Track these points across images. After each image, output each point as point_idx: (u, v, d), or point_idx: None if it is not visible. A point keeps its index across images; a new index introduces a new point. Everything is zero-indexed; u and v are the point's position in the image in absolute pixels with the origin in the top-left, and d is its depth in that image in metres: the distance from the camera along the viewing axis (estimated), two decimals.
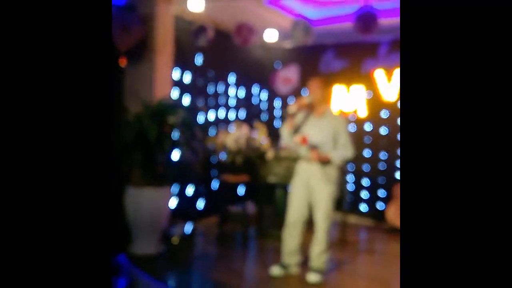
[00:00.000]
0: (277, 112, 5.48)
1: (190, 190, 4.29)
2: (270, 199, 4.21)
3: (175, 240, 3.48)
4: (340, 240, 4.00)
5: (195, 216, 4.28)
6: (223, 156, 3.95)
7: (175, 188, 4.02)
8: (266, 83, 5.29)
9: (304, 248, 3.05)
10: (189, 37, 4.09)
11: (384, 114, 4.80)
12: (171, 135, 3.36)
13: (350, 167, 4.96)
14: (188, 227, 3.93)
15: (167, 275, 3.00)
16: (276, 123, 5.38)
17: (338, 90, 4.97)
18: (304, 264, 3.03)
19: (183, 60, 4.20)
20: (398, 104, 4.67)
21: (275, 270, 2.98)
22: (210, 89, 4.64)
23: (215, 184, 4.58)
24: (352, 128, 4.98)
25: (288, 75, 5.13)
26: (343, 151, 2.88)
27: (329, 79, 3.13)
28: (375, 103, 4.79)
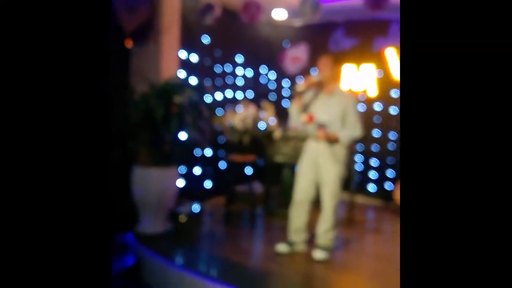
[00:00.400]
0: (286, 92, 5.43)
1: (197, 170, 4.32)
2: (277, 178, 4.22)
3: (182, 218, 3.51)
4: (348, 219, 4.01)
5: (203, 196, 4.31)
6: (230, 136, 3.94)
7: (182, 168, 4.05)
8: (275, 63, 5.22)
9: (311, 226, 3.06)
10: (196, 16, 4.04)
11: (394, 93, 4.72)
12: (178, 115, 3.36)
13: (359, 147, 4.92)
14: (196, 207, 3.97)
15: (174, 253, 3.04)
16: (285, 103, 5.34)
17: (348, 69, 4.89)
18: (311, 242, 3.05)
19: (190, 40, 4.16)
20: None
21: (282, 247, 3.00)
22: (218, 69, 4.61)
23: (222, 165, 4.60)
24: (361, 107, 4.92)
25: (296, 54, 5.06)
26: (352, 131, 2.85)
27: (338, 58, 3.07)
28: (386, 83, 4.71)
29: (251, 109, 3.91)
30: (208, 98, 4.38)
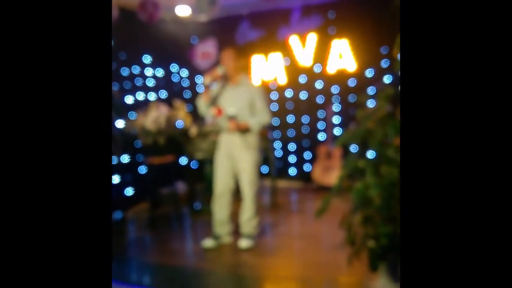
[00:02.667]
0: (200, 89, 5.41)
1: (116, 179, 4.14)
2: (200, 175, 4.21)
3: None
4: (271, 204, 4.13)
5: (124, 204, 4.15)
6: (144, 139, 3.84)
7: None
8: (185, 60, 5.17)
9: (235, 217, 3.11)
10: None
11: (302, 79, 4.94)
12: None
13: (276, 134, 5.09)
14: (117, 216, 3.81)
15: None
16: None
17: (257, 60, 5.01)
18: (236, 232, 3.10)
19: None
20: (314, 69, 4.83)
21: (208, 242, 3.01)
22: (125, 72, 4.44)
23: (142, 169, 4.47)
24: (274, 95, 5.08)
25: (206, 50, 5.06)
26: (260, 117, 2.93)
27: (243, 49, 3.13)
28: (293, 69, 4.91)
29: (163, 109, 3.84)
30: (117, 103, 4.20)
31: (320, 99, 4.89)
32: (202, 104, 2.97)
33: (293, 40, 4.83)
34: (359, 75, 4.62)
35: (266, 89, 4.73)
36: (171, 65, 5.16)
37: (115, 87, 4.19)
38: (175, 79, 5.25)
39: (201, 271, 2.73)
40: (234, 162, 2.97)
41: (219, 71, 2.91)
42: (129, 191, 4.28)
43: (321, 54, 4.73)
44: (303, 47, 4.81)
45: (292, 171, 5.09)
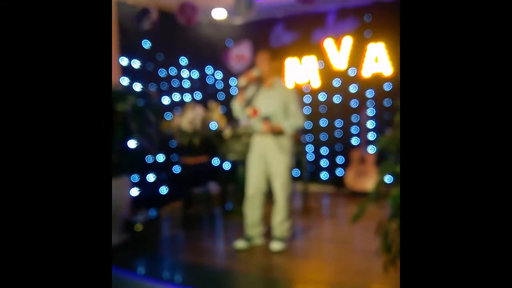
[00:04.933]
0: (234, 91, 5.47)
1: (151, 177, 4.26)
2: (232, 177, 4.25)
3: (138, 227, 3.45)
4: (303, 208, 4.12)
5: (159, 202, 4.25)
6: (180, 139, 3.92)
7: (135, 177, 3.97)
8: (220, 62, 5.24)
9: (267, 220, 3.13)
10: (133, 22, 3.97)
11: (336, 82, 4.89)
12: (122, 123, 3.29)
13: (308, 137, 5.07)
14: (152, 214, 3.91)
15: (133, 263, 2.99)
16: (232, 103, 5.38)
17: (291, 63, 5.01)
18: (268, 234, 3.11)
19: (129, 46, 4.09)
20: (349, 72, 4.78)
21: (240, 244, 3.04)
22: (162, 73, 4.56)
23: (176, 169, 4.56)
24: (307, 99, 5.06)
25: (240, 52, 5.11)
26: (294, 120, 2.94)
27: (278, 52, 3.14)
28: (327, 73, 4.88)
29: (198, 110, 3.91)
30: (154, 103, 4.32)
31: (354, 103, 4.83)
32: (237, 105, 3.01)
33: (328, 43, 4.80)
34: (395, 79, 4.52)
35: (299, 92, 4.71)
36: (206, 67, 5.25)
37: (152, 88, 4.30)
38: (209, 81, 5.33)
39: (232, 271, 2.76)
40: (267, 165, 2.99)
41: (254, 73, 2.94)
42: (163, 190, 4.39)
43: (356, 58, 4.67)
44: (338, 51, 4.77)
45: (324, 175, 5.05)
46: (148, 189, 4.17)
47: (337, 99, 4.92)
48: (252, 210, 3.03)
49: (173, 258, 3.11)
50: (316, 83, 4.95)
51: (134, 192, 3.88)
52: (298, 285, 2.56)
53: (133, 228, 3.53)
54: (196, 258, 2.98)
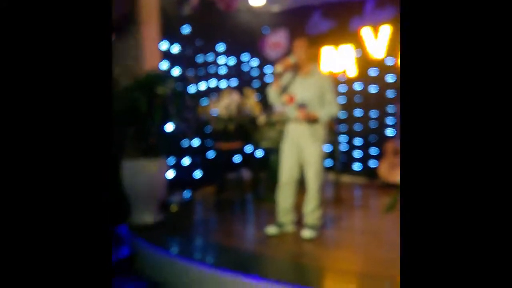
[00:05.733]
0: (269, 78, 5.48)
1: (186, 161, 4.38)
2: (265, 164, 4.30)
3: (173, 208, 3.58)
4: (335, 198, 4.12)
5: (193, 186, 4.38)
6: (215, 124, 4.00)
7: (171, 160, 4.11)
8: (256, 50, 5.26)
9: (299, 207, 3.16)
10: (174, 6, 4.05)
11: (373, 72, 4.81)
12: (162, 106, 3.40)
13: (342, 127, 5.02)
14: (186, 196, 4.04)
15: (168, 242, 3.11)
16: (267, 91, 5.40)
17: (327, 51, 4.95)
18: (299, 222, 3.15)
19: (170, 31, 4.18)
20: (386, 61, 4.68)
21: (271, 229, 3.09)
22: (200, 59, 4.64)
23: (210, 154, 4.66)
24: (342, 88, 5.00)
25: (276, 40, 5.11)
26: (330, 109, 2.93)
27: (314, 39, 3.13)
28: (364, 62, 4.80)
29: (234, 97, 3.96)
30: (191, 88, 4.42)
31: (390, 94, 4.73)
32: (273, 92, 3.03)
33: (366, 31, 4.70)
34: None
35: (334, 81, 4.67)
36: (243, 54, 5.28)
37: (190, 73, 4.39)
38: (245, 68, 5.36)
39: (262, 256, 2.82)
40: (301, 152, 3.01)
41: (290, 60, 2.94)
42: (198, 174, 4.51)
43: (394, 47, 4.56)
44: (376, 39, 4.67)
45: (357, 166, 5.01)
46: (183, 172, 4.30)
47: (373, 89, 4.84)
48: (284, 197, 3.07)
49: (205, 239, 3.20)
50: (352, 72, 4.88)
51: (170, 174, 4.01)
52: (327, 273, 2.58)
53: (168, 208, 3.67)
54: (227, 241, 3.06)
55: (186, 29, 4.40)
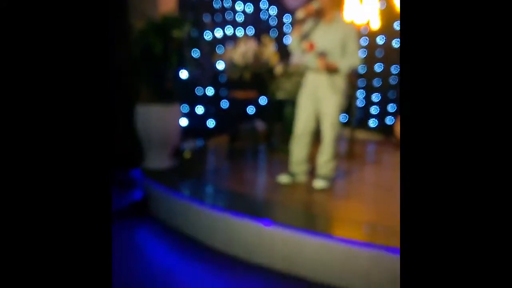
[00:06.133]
0: (287, 28, 5.30)
1: (200, 110, 4.35)
2: (280, 116, 4.25)
3: (187, 154, 3.61)
4: (348, 153, 4.09)
5: (206, 134, 4.38)
6: (231, 73, 3.92)
7: (185, 108, 4.08)
8: None
9: (312, 159, 3.15)
10: None
11: (397, 25, 4.60)
12: (178, 50, 3.33)
13: (361, 82, 4.89)
14: (200, 144, 4.05)
15: (180, 186, 3.16)
16: (286, 40, 5.23)
17: (351, 1, 4.72)
18: (312, 173, 3.15)
19: None
20: None
21: (284, 178, 3.10)
22: (217, 4, 4.48)
23: (224, 104, 4.62)
24: (364, 41, 4.82)
25: None
26: (351, 59, 2.83)
27: None
28: (388, 14, 4.57)
29: (251, 44, 3.85)
30: (207, 35, 4.30)
31: None
32: (294, 38, 2.92)
33: None
34: None
35: (358, 32, 4.49)
36: (261, 1, 5.07)
37: (207, 18, 4.26)
38: (263, 16, 5.18)
39: (274, 202, 2.85)
40: (318, 103, 2.94)
41: (314, 5, 2.81)
42: (211, 123, 4.50)
43: None
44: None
45: (373, 122, 4.93)
46: (196, 121, 4.30)
47: (396, 43, 4.65)
48: (299, 148, 3.04)
49: (217, 185, 3.24)
50: (376, 25, 4.67)
51: (184, 122, 4.00)
52: (337, 222, 2.61)
53: (181, 154, 3.69)
54: (239, 187, 3.09)
55: None
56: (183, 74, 3.69)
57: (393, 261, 2.05)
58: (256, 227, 2.43)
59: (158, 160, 3.45)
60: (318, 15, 2.86)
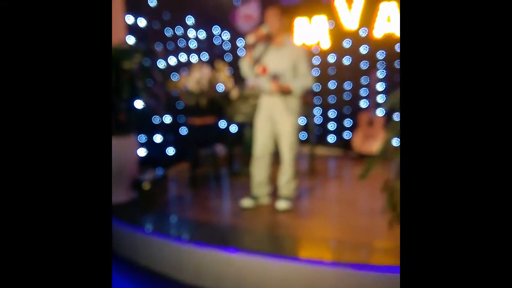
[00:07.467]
0: (241, 52, 5.37)
1: (158, 138, 4.28)
2: (240, 139, 4.25)
3: (146, 186, 3.50)
4: (309, 170, 4.13)
5: (166, 163, 4.30)
6: (187, 100, 3.89)
7: (142, 137, 4.00)
8: (227, 22, 5.11)
9: (273, 180, 3.15)
10: None
11: (346, 43, 4.77)
12: (129, 81, 3.27)
13: (317, 100, 5.01)
14: (160, 173, 3.96)
15: (141, 220, 3.05)
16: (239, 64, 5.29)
17: (300, 23, 4.87)
18: (274, 194, 3.14)
19: (135, 4, 3.99)
20: (360, 33, 4.64)
21: (246, 202, 3.08)
22: (168, 33, 4.47)
23: (183, 130, 4.57)
24: (316, 60, 4.96)
25: (248, 12, 4.98)
26: (303, 80, 2.89)
27: (286, 9, 3.04)
28: (338, 33, 4.75)
29: (205, 70, 3.85)
30: (161, 63, 4.27)
31: (364, 65, 4.73)
32: (245, 63, 2.95)
33: (339, 2, 4.64)
34: None
35: (308, 53, 4.62)
36: (214, 27, 5.13)
37: (159, 47, 4.24)
38: (216, 41, 5.23)
39: (238, 228, 2.81)
40: (275, 125, 2.97)
41: (263, 30, 2.87)
42: (170, 151, 4.42)
43: (368, 18, 4.52)
44: (349, 10, 4.61)
45: (331, 138, 5.03)
46: (155, 150, 4.20)
47: (347, 60, 4.82)
48: (259, 170, 3.04)
49: (180, 215, 3.16)
50: (326, 44, 4.83)
51: (141, 152, 3.91)
52: (302, 241, 2.60)
53: (140, 186, 3.58)
54: (203, 216, 3.03)
55: (152, 2, 4.22)
56: (138, 104, 3.62)
57: (360, 278, 2.06)
58: (223, 256, 2.38)
59: (116, 194, 3.33)
60: (268, 39, 2.92)
